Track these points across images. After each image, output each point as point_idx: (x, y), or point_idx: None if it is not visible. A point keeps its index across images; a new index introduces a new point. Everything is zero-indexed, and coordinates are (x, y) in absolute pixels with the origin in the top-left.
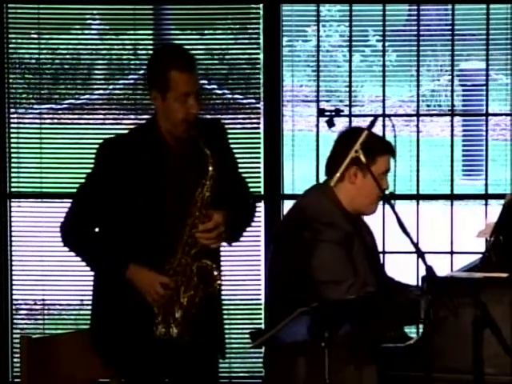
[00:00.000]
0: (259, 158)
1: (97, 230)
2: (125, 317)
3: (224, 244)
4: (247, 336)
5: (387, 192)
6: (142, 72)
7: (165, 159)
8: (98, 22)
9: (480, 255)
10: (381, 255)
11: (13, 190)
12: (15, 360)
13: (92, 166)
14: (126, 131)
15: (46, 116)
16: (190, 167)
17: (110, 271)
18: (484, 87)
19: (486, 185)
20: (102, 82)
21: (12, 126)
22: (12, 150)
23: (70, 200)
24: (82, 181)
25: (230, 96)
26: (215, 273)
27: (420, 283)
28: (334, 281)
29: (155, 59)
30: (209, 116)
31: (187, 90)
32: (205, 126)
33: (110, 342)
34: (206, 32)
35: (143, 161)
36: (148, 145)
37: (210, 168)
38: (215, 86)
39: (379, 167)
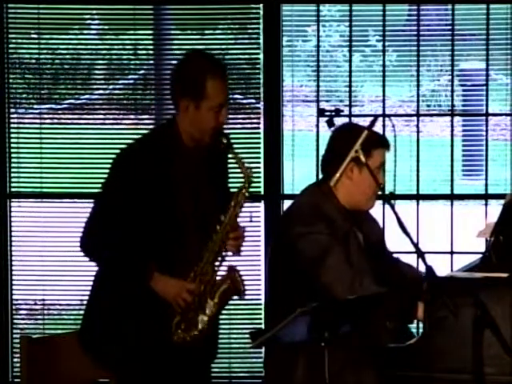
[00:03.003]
0: (259, 158)
1: (118, 238)
2: (134, 324)
3: None
4: (247, 336)
5: (387, 192)
6: (142, 72)
7: (177, 176)
8: (97, 21)
9: (480, 255)
10: None
11: (13, 190)
12: (15, 360)
13: (109, 178)
14: (144, 132)
15: (46, 116)
16: (203, 184)
17: (133, 282)
18: (484, 87)
19: (486, 185)
20: (102, 82)
21: (12, 126)
22: (12, 150)
23: (66, 208)
24: (100, 188)
25: (230, 96)
26: (238, 284)
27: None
28: (333, 274)
29: (188, 67)
30: None
31: (223, 101)
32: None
33: (112, 346)
34: (206, 32)
35: (162, 171)
36: (167, 154)
37: (249, 177)
38: None
39: (375, 161)
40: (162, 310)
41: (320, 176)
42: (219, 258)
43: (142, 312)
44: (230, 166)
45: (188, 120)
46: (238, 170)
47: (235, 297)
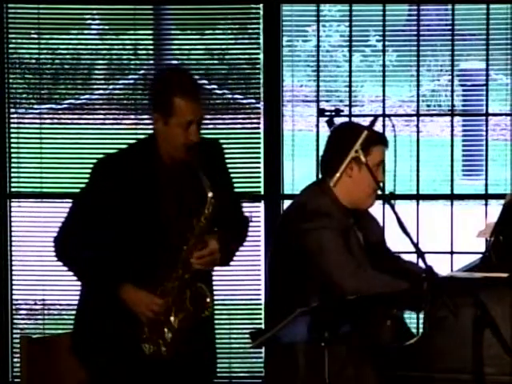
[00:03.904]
0: (259, 158)
1: (91, 246)
2: (113, 329)
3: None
4: (247, 336)
5: (387, 192)
6: (142, 72)
7: (161, 179)
8: (97, 21)
9: (480, 255)
10: None
11: (13, 190)
12: (15, 360)
13: (87, 183)
14: (124, 146)
15: (46, 116)
16: (187, 188)
17: (102, 289)
18: (484, 87)
19: (486, 185)
20: (102, 82)
21: (12, 126)
22: (12, 150)
23: (66, 208)
24: (77, 192)
25: (230, 96)
26: (207, 300)
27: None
28: (335, 262)
29: (160, 83)
30: (209, 116)
31: (191, 118)
32: (203, 147)
33: (94, 350)
34: (206, 32)
35: (139, 180)
36: (145, 164)
37: (210, 195)
38: (215, 86)
39: (374, 158)
40: (136, 321)
41: (320, 176)
42: (187, 275)
43: (117, 320)
44: (230, 166)
45: (160, 134)
46: (238, 171)
47: (237, 302)
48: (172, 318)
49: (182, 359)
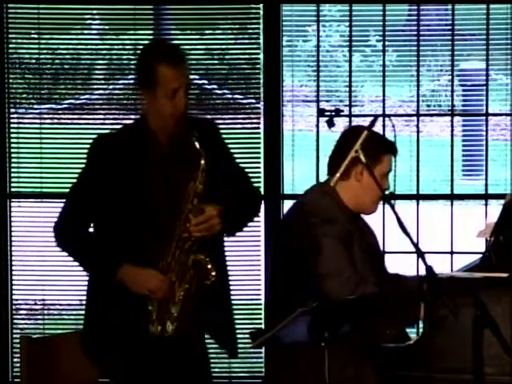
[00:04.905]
0: (259, 158)
1: (90, 229)
2: (118, 317)
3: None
4: (247, 336)
5: (387, 192)
6: None
7: (154, 156)
8: (97, 21)
9: (480, 255)
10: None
11: (13, 190)
12: (15, 360)
13: (83, 165)
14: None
15: (46, 116)
16: (180, 164)
17: (101, 272)
18: (484, 87)
19: (486, 185)
20: (102, 82)
21: (12, 126)
22: (12, 150)
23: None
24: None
25: (230, 96)
26: (209, 266)
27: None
28: (333, 273)
29: (143, 56)
30: (209, 116)
31: (175, 86)
32: (196, 125)
33: (103, 343)
34: (206, 32)
35: (133, 158)
36: (138, 142)
37: (202, 161)
38: (215, 86)
39: (384, 166)
40: (139, 305)
41: (320, 176)
42: (187, 244)
43: (122, 308)
44: (235, 152)
45: (149, 109)
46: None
47: (237, 302)
48: (177, 291)
49: (190, 340)
